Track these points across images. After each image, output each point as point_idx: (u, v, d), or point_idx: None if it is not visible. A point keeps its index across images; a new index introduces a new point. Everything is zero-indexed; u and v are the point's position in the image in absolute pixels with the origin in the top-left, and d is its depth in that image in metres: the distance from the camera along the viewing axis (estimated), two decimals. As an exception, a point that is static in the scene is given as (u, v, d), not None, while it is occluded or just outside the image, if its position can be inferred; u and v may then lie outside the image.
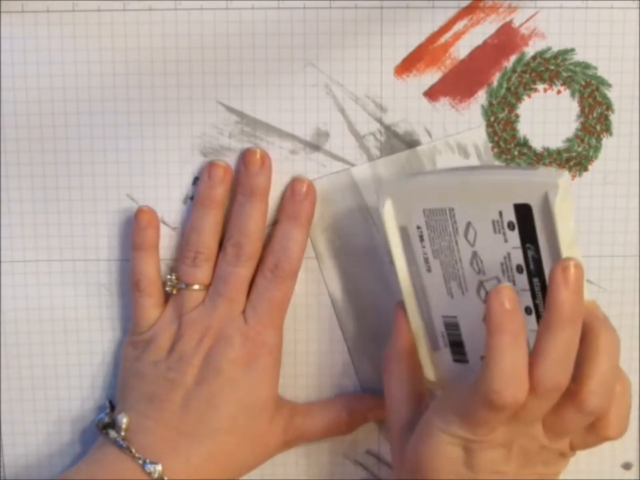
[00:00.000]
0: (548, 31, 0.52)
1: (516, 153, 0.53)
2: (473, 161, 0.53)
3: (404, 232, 0.50)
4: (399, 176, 0.52)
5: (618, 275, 0.55)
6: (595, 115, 0.53)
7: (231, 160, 0.53)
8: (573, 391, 0.45)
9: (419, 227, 0.50)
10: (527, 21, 0.52)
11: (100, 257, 0.54)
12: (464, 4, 0.51)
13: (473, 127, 0.53)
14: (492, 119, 0.53)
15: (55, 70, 0.51)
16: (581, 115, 0.53)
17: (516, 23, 0.52)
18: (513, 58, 0.52)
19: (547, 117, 0.53)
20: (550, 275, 0.44)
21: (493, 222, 0.48)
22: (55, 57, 0.51)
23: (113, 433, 0.51)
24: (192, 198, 0.53)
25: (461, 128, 0.53)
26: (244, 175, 0.52)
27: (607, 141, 0.53)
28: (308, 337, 0.55)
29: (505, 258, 0.48)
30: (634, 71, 0.52)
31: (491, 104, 0.52)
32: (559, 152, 0.53)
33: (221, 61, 0.52)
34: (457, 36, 0.52)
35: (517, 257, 0.48)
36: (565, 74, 0.52)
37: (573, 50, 0.52)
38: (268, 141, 0.53)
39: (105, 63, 0.51)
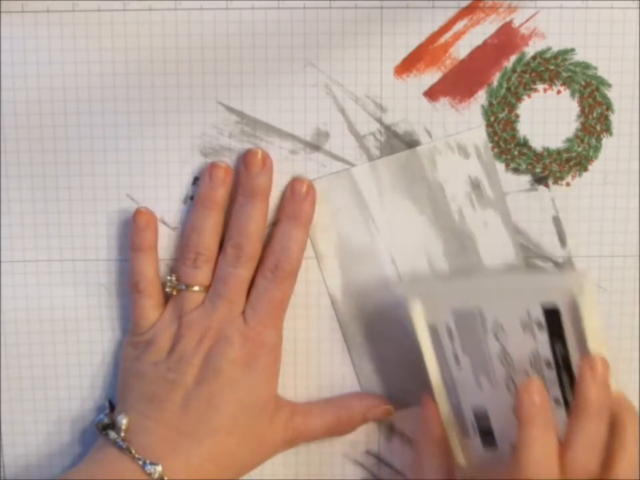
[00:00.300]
0: (548, 30, 0.52)
1: (516, 153, 0.53)
2: (473, 161, 0.53)
3: (433, 329, 0.52)
4: (426, 277, 0.54)
5: (618, 275, 0.55)
6: (595, 114, 0.53)
7: (231, 160, 0.53)
8: (604, 478, 0.48)
9: (447, 326, 0.52)
10: (527, 20, 0.52)
11: (100, 257, 0.54)
12: (464, 4, 0.51)
13: (473, 127, 0.53)
14: (492, 118, 0.53)
15: (55, 70, 0.51)
16: (581, 115, 0.53)
17: (516, 23, 0.52)
18: (512, 58, 0.52)
19: (547, 117, 0.53)
20: (578, 371, 0.48)
21: (522, 321, 0.51)
22: (55, 57, 0.51)
23: (112, 434, 0.51)
24: (192, 198, 0.53)
25: (461, 128, 0.53)
26: (245, 175, 0.52)
27: (606, 141, 0.53)
28: (308, 337, 0.55)
29: (533, 354, 0.51)
30: (634, 71, 0.52)
31: (490, 104, 0.53)
32: (558, 152, 0.53)
33: (220, 61, 0.52)
34: (457, 36, 0.52)
35: (546, 354, 0.51)
36: (565, 74, 0.52)
37: (573, 50, 0.52)
38: (268, 141, 0.53)
39: (104, 62, 0.51)
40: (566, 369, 0.51)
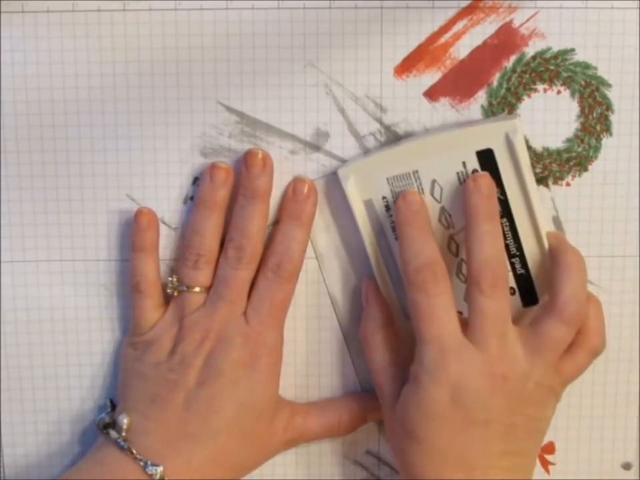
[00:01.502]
0: (548, 31, 0.52)
1: (516, 152, 0.53)
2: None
3: (369, 205, 0.51)
4: (358, 155, 0.53)
5: (618, 275, 0.55)
6: (594, 115, 0.53)
7: (231, 160, 0.53)
8: (551, 305, 0.49)
9: (384, 197, 0.51)
10: (527, 21, 0.52)
11: (100, 257, 0.54)
12: (464, 4, 0.51)
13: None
14: (492, 119, 0.53)
15: (55, 70, 0.51)
16: (580, 115, 0.53)
17: (516, 23, 0.52)
18: (512, 58, 0.52)
19: (547, 117, 0.53)
20: (463, 187, 0.49)
21: (458, 174, 0.50)
22: (55, 57, 0.51)
23: (113, 434, 0.51)
24: (192, 198, 0.53)
25: (460, 128, 0.53)
26: (245, 176, 0.52)
27: (606, 141, 0.53)
28: (308, 337, 0.55)
29: None
30: (634, 71, 0.52)
31: (490, 104, 0.52)
32: (558, 152, 0.53)
33: (220, 61, 0.52)
34: (457, 36, 0.52)
35: None
36: (564, 74, 0.52)
37: (573, 50, 0.52)
38: (268, 141, 0.53)
39: (104, 63, 0.51)
40: (507, 215, 0.51)
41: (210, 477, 0.51)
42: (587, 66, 0.52)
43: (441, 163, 0.50)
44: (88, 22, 0.51)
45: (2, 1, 0.50)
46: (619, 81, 0.52)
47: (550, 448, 0.57)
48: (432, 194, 0.51)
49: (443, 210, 0.51)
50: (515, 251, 0.51)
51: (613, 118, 0.53)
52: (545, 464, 0.57)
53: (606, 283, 0.55)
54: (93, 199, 0.53)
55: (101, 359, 0.55)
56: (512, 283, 0.52)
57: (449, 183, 0.51)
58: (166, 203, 0.53)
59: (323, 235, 0.54)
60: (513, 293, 0.52)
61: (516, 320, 0.51)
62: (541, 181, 0.53)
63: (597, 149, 0.53)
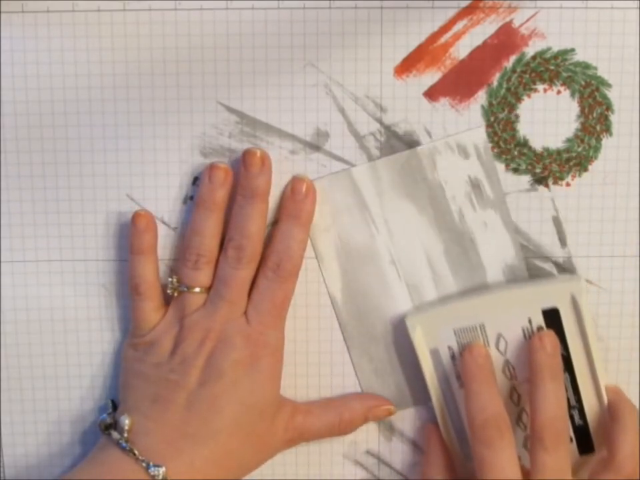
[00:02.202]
0: (548, 30, 0.52)
1: (516, 153, 0.53)
2: (473, 161, 0.53)
3: (435, 353, 0.53)
4: (424, 305, 0.55)
5: (618, 275, 0.55)
6: (594, 115, 0.53)
7: (231, 160, 0.53)
8: (609, 461, 0.52)
9: (450, 347, 0.53)
10: (527, 21, 0.52)
11: (100, 257, 0.54)
12: (464, 4, 0.51)
13: (472, 127, 0.53)
14: (492, 119, 0.53)
15: (55, 70, 0.51)
16: (580, 115, 0.53)
17: (516, 23, 0.52)
18: (512, 58, 0.52)
19: (547, 117, 0.53)
20: (529, 345, 0.52)
21: (523, 329, 0.52)
22: (55, 57, 0.51)
23: (115, 434, 0.51)
24: (192, 198, 0.53)
25: (460, 128, 0.53)
26: (244, 176, 0.52)
27: (607, 141, 0.53)
28: (308, 337, 0.55)
29: None
30: (634, 71, 0.52)
31: (490, 104, 0.53)
32: (558, 152, 0.53)
33: (220, 61, 0.52)
34: (457, 36, 0.52)
35: None
36: (564, 74, 0.52)
37: (573, 50, 0.52)
38: (268, 141, 0.53)
39: (104, 63, 0.51)
40: (568, 370, 0.52)
41: (212, 477, 0.50)
42: (586, 66, 0.52)
43: (507, 318, 0.52)
44: (88, 22, 0.51)
45: (2, 1, 0.50)
46: (619, 81, 0.52)
47: (550, 448, 0.57)
48: (497, 347, 0.53)
49: (506, 362, 0.53)
50: (574, 403, 0.53)
51: (613, 118, 0.53)
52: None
53: (606, 283, 0.55)
54: (92, 199, 0.53)
55: (101, 358, 0.55)
56: (570, 432, 0.53)
57: (514, 337, 0.53)
58: (166, 203, 0.53)
59: (323, 235, 0.54)
60: (570, 441, 0.53)
61: (573, 468, 0.52)
62: (540, 181, 0.53)
63: (596, 149, 0.53)
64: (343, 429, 0.55)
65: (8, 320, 0.54)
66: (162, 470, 0.49)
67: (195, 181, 0.53)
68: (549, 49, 0.52)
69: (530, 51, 0.52)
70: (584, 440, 0.54)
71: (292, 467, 0.57)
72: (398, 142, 0.53)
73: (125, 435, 0.51)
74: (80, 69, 0.51)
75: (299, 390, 0.56)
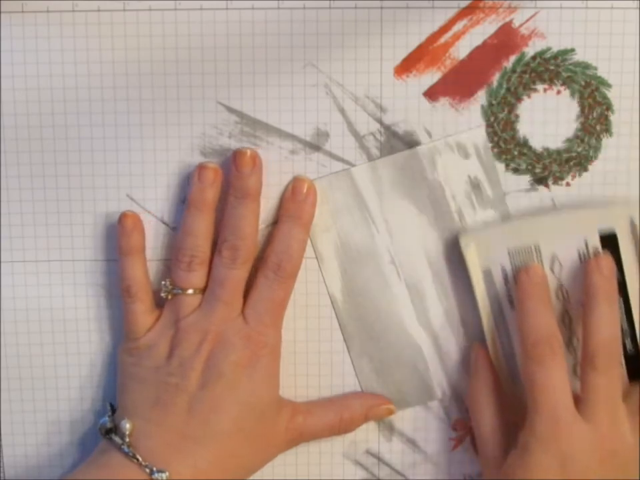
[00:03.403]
0: (548, 31, 0.52)
1: (516, 153, 0.53)
2: (473, 161, 0.53)
3: (487, 274, 0.53)
4: (478, 225, 0.54)
5: (618, 274, 0.55)
6: (594, 115, 0.53)
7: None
8: None
9: (503, 268, 0.52)
10: (527, 21, 0.52)
11: (100, 257, 0.54)
12: (464, 4, 0.51)
13: (472, 127, 0.53)
14: (492, 119, 0.53)
15: (55, 70, 0.51)
16: (580, 115, 0.53)
17: (516, 23, 0.52)
18: (512, 58, 0.52)
19: (547, 117, 0.53)
20: (585, 267, 0.51)
21: (579, 252, 0.52)
22: (55, 57, 0.51)
23: (117, 439, 0.51)
24: (192, 198, 0.53)
25: (460, 128, 0.53)
26: (235, 176, 0.51)
27: (606, 141, 0.53)
28: (308, 337, 0.55)
29: None
30: (634, 71, 0.52)
31: (490, 104, 0.53)
32: (558, 152, 0.53)
33: (220, 61, 0.52)
34: (457, 36, 0.52)
35: None
36: (564, 74, 0.52)
37: (572, 50, 0.52)
38: (268, 141, 0.53)
39: (104, 63, 0.51)
40: (623, 297, 0.52)
41: (215, 479, 0.50)
42: (587, 66, 0.52)
43: (562, 240, 0.52)
44: (88, 22, 0.51)
45: (2, 1, 0.50)
46: (619, 81, 0.52)
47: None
48: (552, 269, 0.52)
49: (560, 285, 0.53)
50: (626, 329, 0.53)
51: (613, 118, 0.53)
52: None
53: (606, 283, 0.55)
54: (92, 199, 0.53)
55: (101, 358, 0.55)
56: (621, 357, 0.53)
57: (569, 259, 0.52)
58: (166, 203, 0.53)
59: (323, 235, 0.54)
60: (622, 366, 0.53)
61: (623, 395, 0.52)
62: (540, 181, 0.53)
63: (596, 149, 0.53)
64: (343, 428, 0.55)
65: (8, 320, 0.54)
66: (165, 475, 0.49)
67: (195, 181, 0.53)
68: (548, 48, 0.52)
69: (530, 51, 0.52)
70: (634, 366, 0.53)
71: (292, 467, 0.57)
72: (398, 142, 0.53)
73: (127, 439, 0.50)
74: (80, 69, 0.51)
75: (298, 390, 0.56)
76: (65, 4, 0.51)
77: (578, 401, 0.50)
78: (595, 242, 0.52)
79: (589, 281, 0.51)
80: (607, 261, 0.51)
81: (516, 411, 0.53)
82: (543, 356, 0.50)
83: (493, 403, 0.53)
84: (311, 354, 0.55)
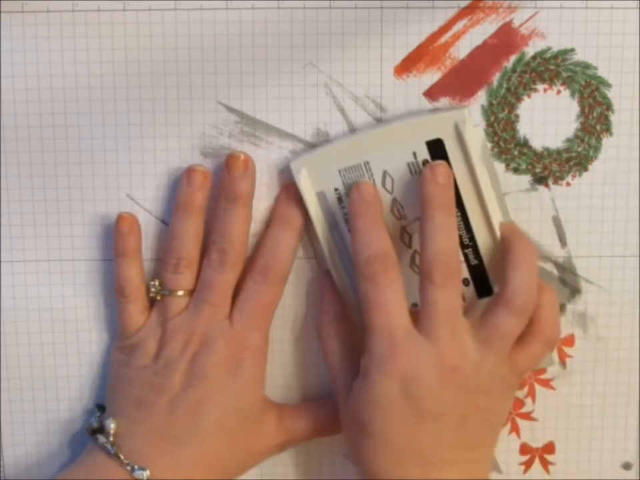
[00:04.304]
0: (548, 30, 0.52)
1: (516, 153, 0.53)
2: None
3: (322, 197, 0.51)
4: (309, 148, 0.53)
5: (618, 275, 0.55)
6: (594, 114, 0.53)
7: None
8: (500, 296, 0.49)
9: (336, 189, 0.51)
10: (527, 20, 0.52)
11: (100, 257, 0.54)
12: (464, 4, 0.51)
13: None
14: (492, 118, 0.53)
15: (55, 70, 0.51)
16: (580, 114, 0.53)
17: (516, 23, 0.52)
18: (512, 58, 0.52)
19: (547, 116, 0.53)
20: (420, 176, 0.49)
21: (409, 164, 0.50)
22: (55, 57, 0.51)
23: (101, 438, 0.51)
24: (192, 198, 0.53)
25: (460, 128, 0.53)
26: (227, 180, 0.51)
27: (607, 141, 0.53)
28: (308, 337, 0.55)
29: None
30: (634, 71, 0.52)
31: (490, 104, 0.52)
32: (558, 152, 0.53)
33: (220, 61, 0.52)
34: (457, 36, 0.52)
35: None
36: (564, 74, 0.52)
37: (572, 50, 0.52)
38: (268, 141, 0.53)
39: (104, 63, 0.51)
40: (458, 205, 0.51)
41: (196, 479, 0.50)
42: (587, 66, 0.52)
43: (391, 154, 0.51)
44: (88, 22, 0.51)
45: (2, 1, 0.50)
46: (619, 81, 0.52)
47: (550, 448, 0.57)
48: (383, 185, 0.51)
49: (394, 201, 0.51)
50: (468, 242, 0.51)
51: (613, 118, 0.53)
52: (545, 464, 0.57)
53: (606, 283, 0.55)
54: (92, 199, 0.53)
55: (101, 359, 0.55)
56: (466, 274, 0.52)
57: (400, 173, 0.51)
58: (166, 203, 0.53)
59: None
60: (467, 284, 0.52)
61: (471, 311, 0.51)
62: (540, 180, 0.53)
63: (596, 149, 0.53)
64: (330, 430, 0.54)
65: (8, 320, 0.54)
66: (146, 473, 0.49)
67: (195, 181, 0.53)
68: (548, 48, 0.52)
69: (530, 50, 0.52)
70: (481, 281, 0.52)
71: (292, 467, 0.57)
72: (398, 142, 0.53)
73: (111, 438, 0.51)
74: (80, 69, 0.51)
75: (298, 390, 0.56)
76: (65, 4, 0.51)
77: (418, 316, 0.49)
78: (423, 152, 0.50)
79: (423, 191, 0.49)
80: (442, 167, 0.49)
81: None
82: (375, 274, 0.48)
83: (341, 332, 0.52)
84: (311, 354, 0.55)
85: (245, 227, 0.52)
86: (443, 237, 0.48)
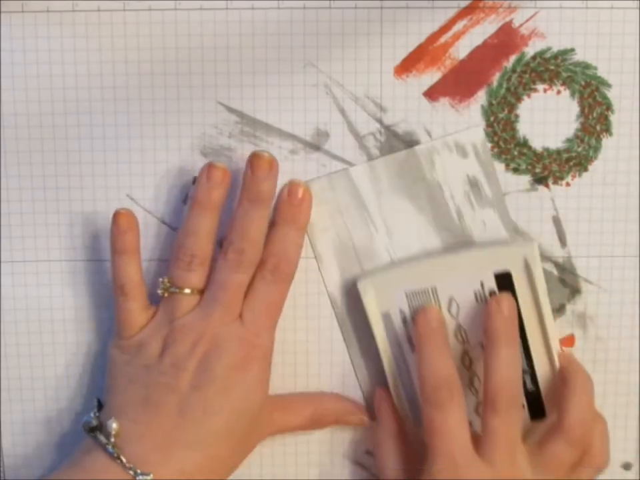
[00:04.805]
0: (548, 30, 0.52)
1: (516, 153, 0.53)
2: (471, 160, 0.53)
3: (386, 317, 0.53)
4: (377, 266, 0.54)
5: (618, 275, 0.55)
6: (594, 115, 0.53)
7: (230, 160, 0.53)
8: (557, 426, 0.51)
9: (401, 311, 0.52)
10: (527, 21, 0.52)
11: (100, 257, 0.54)
12: (464, 4, 0.51)
13: (471, 127, 0.53)
14: (492, 119, 0.53)
15: (55, 70, 0.51)
16: (580, 115, 0.53)
17: (516, 23, 0.52)
18: (512, 58, 0.52)
19: (547, 117, 0.53)
20: (485, 308, 0.51)
21: (475, 293, 0.52)
22: (55, 57, 0.51)
23: (102, 438, 0.49)
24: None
25: (460, 128, 0.53)
26: (250, 179, 0.50)
27: (606, 141, 0.53)
28: (308, 337, 0.55)
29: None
30: (634, 71, 0.52)
31: (490, 104, 0.53)
32: (558, 152, 0.53)
33: (220, 61, 0.52)
34: (457, 36, 0.52)
35: None
36: (564, 74, 0.52)
37: (572, 50, 0.52)
38: (268, 141, 0.53)
39: (104, 62, 0.52)
40: (521, 336, 0.52)
41: None
42: (587, 66, 0.52)
43: (459, 282, 0.52)
44: (88, 22, 0.51)
45: (2, 1, 0.50)
46: (619, 81, 0.52)
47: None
48: (449, 310, 0.52)
49: (459, 326, 0.53)
50: (526, 368, 0.53)
51: (613, 118, 0.53)
52: (545, 464, 0.57)
53: (606, 283, 0.55)
54: (92, 199, 0.53)
55: (101, 359, 0.55)
56: (522, 398, 0.52)
57: (466, 301, 0.52)
58: (166, 203, 0.53)
59: (322, 235, 0.54)
60: (522, 408, 0.53)
61: (524, 434, 0.52)
62: (540, 181, 0.53)
63: (596, 149, 0.53)
64: (315, 425, 0.55)
65: (8, 320, 0.54)
66: (149, 477, 0.48)
67: (195, 180, 0.53)
68: (548, 48, 0.52)
69: (530, 50, 0.52)
70: (535, 405, 0.53)
71: (292, 467, 0.57)
72: (398, 142, 0.53)
73: (112, 439, 0.49)
74: (80, 69, 0.52)
75: (298, 390, 0.56)
76: (65, 4, 0.51)
77: (479, 441, 0.50)
78: (491, 283, 0.52)
79: (489, 323, 0.50)
80: (507, 301, 0.51)
81: (420, 456, 0.52)
82: (441, 400, 0.50)
83: (397, 449, 0.54)
84: (311, 354, 0.55)
85: (264, 228, 0.51)
86: (508, 369, 0.50)
